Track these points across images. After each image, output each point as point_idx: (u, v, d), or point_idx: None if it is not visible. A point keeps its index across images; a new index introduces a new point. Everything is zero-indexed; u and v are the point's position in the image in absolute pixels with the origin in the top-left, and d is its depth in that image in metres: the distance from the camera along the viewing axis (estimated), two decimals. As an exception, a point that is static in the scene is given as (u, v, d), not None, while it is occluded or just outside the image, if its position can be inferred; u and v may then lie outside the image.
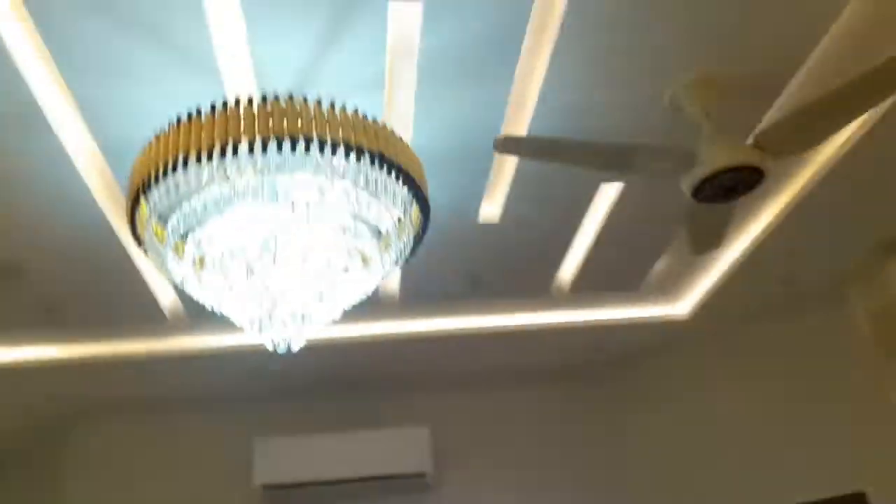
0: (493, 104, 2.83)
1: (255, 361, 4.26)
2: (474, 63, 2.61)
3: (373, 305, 4.22)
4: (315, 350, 4.39)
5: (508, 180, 3.36)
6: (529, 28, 2.51)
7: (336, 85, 2.60)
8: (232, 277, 2.36)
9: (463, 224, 3.59)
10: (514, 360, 5.11)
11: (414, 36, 2.48)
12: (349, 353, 4.60)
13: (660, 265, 4.28)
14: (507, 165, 3.31)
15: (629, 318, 4.68)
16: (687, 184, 2.67)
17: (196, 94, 2.37)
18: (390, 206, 2.38)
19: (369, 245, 2.47)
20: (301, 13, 2.32)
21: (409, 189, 2.37)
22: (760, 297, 4.58)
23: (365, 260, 2.53)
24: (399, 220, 2.45)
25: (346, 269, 2.50)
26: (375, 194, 2.33)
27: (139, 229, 2.31)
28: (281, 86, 2.51)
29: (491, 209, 3.59)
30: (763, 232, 3.93)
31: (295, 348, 2.40)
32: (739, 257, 4.15)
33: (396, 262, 2.57)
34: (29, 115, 2.57)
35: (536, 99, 2.82)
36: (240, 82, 2.55)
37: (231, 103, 2.13)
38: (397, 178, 2.30)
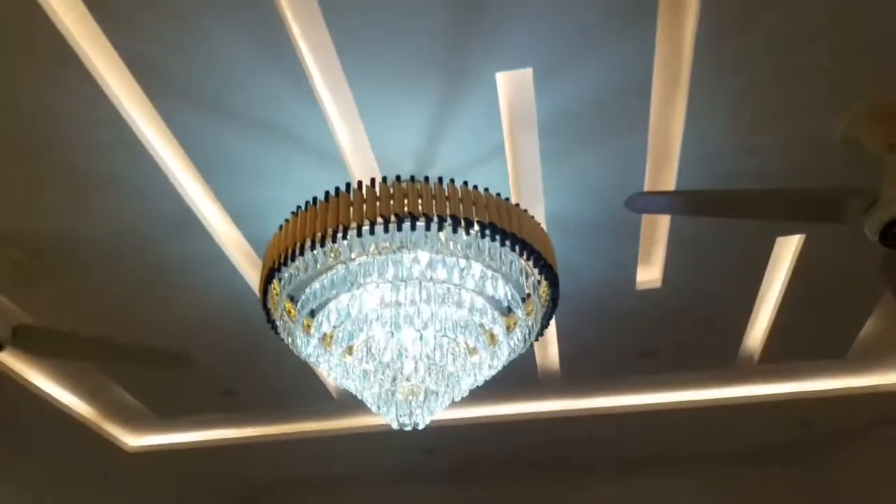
0: (630, 162, 2.60)
1: (417, 439, 4.20)
2: (601, 122, 2.42)
3: (534, 384, 4.04)
4: (483, 428, 4.30)
5: (664, 242, 3.06)
6: (657, 78, 2.30)
7: (457, 161, 2.55)
8: (356, 355, 2.35)
9: (621, 293, 3.32)
10: (692, 441, 4.59)
11: (529, 102, 2.37)
12: (518, 435, 4.41)
13: (868, 327, 3.65)
14: (660, 226, 3.03)
15: (832, 390, 4.02)
16: (871, 228, 2.24)
17: (325, 182, 2.39)
18: (516, 282, 2.29)
19: (495, 323, 2.34)
20: (413, 97, 2.31)
21: (535, 262, 2.25)
22: None
23: (492, 339, 2.40)
24: (527, 296, 2.33)
25: (472, 349, 2.39)
26: (499, 269, 2.26)
27: (272, 308, 2.36)
28: (404, 168, 2.51)
29: (650, 274, 3.29)
30: None
31: (420, 426, 2.32)
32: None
33: (525, 341, 2.42)
34: (186, 222, 2.80)
35: (679, 151, 2.55)
36: (364, 170, 2.58)
37: (354, 187, 2.18)
38: (521, 251, 2.20)
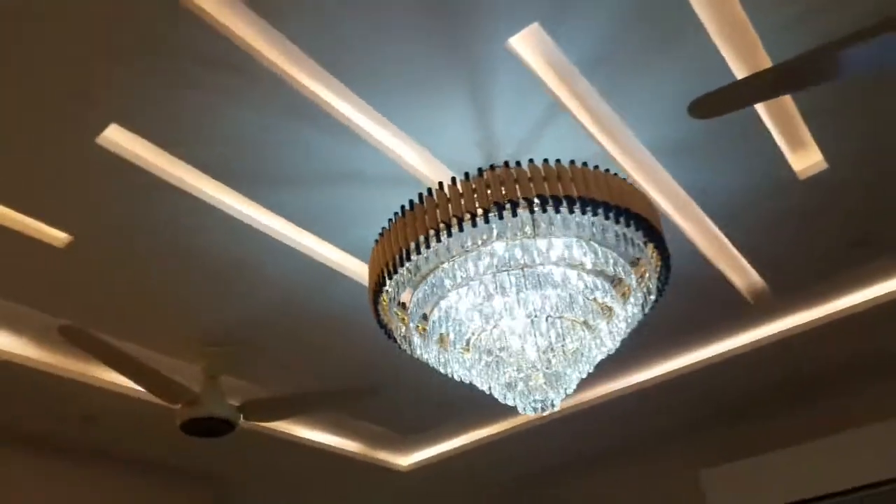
0: (703, 58, 2.29)
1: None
2: (643, 35, 2.21)
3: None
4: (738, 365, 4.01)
5: (799, 120, 2.65)
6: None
7: (521, 136, 2.52)
8: (474, 351, 2.38)
9: (784, 191, 2.92)
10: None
11: (557, 52, 2.23)
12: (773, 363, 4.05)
13: None
14: (786, 106, 2.62)
15: None
16: None
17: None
18: (624, 253, 2.23)
19: (609, 296, 2.26)
20: (439, 96, 2.31)
21: (637, 226, 2.16)
22: None
23: (607, 310, 2.30)
24: (637, 261, 2.26)
25: (589, 326, 2.31)
26: (605, 243, 2.20)
27: (383, 317, 2.44)
28: (472, 163, 2.51)
29: (807, 160, 2.86)
30: None
31: (555, 408, 2.30)
32: None
33: (643, 309, 2.33)
34: (331, 276, 3.10)
35: (750, 24, 2.21)
36: (440, 176, 2.61)
37: (447, 183, 2.17)
38: (616, 218, 2.12)
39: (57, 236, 2.71)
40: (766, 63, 2.28)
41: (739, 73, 2.34)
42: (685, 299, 3.40)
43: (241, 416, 3.37)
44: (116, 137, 2.35)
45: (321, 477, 5.11)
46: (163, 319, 3.27)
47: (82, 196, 2.54)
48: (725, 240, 3.21)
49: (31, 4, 1.89)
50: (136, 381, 3.18)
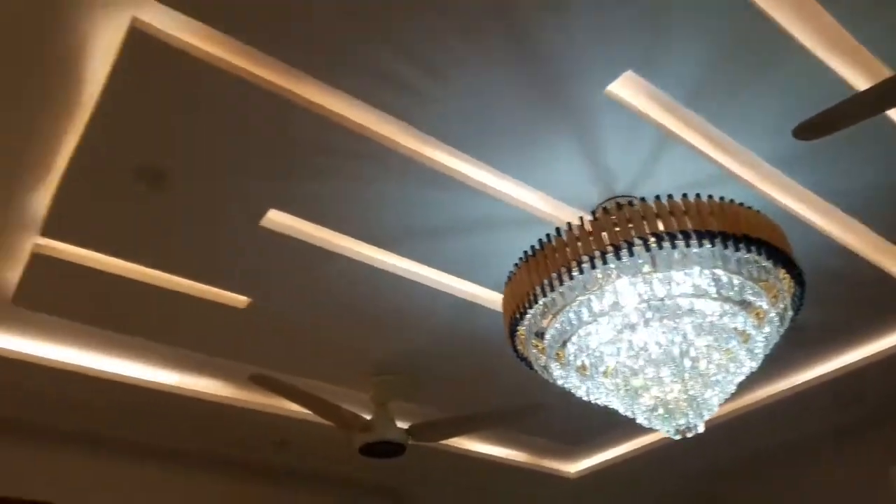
0: (807, 74, 2.28)
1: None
2: (738, 65, 2.23)
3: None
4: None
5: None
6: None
7: (636, 171, 2.61)
8: (613, 378, 2.48)
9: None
10: None
11: (656, 91, 2.31)
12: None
13: None
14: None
15: None
16: None
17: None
18: (751, 277, 2.26)
19: (742, 320, 2.30)
20: (548, 148, 2.47)
21: (768, 255, 2.21)
22: None
23: (745, 337, 2.34)
24: (773, 288, 2.30)
25: (726, 350, 2.35)
26: (729, 270, 2.24)
27: (521, 350, 2.59)
28: (592, 203, 2.67)
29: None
30: None
31: (699, 431, 2.35)
32: None
33: (780, 328, 2.35)
34: (475, 311, 3.34)
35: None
36: (566, 215, 2.77)
37: (565, 229, 2.29)
38: (747, 249, 2.18)
39: (238, 299, 3.17)
40: (878, 65, 2.22)
41: (851, 77, 2.29)
42: (853, 297, 3.37)
43: (410, 437, 3.69)
44: (278, 219, 2.75)
45: (493, 486, 5.38)
46: (336, 357, 3.69)
47: (254, 267, 2.98)
48: (876, 234, 3.08)
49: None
50: (318, 414, 3.60)
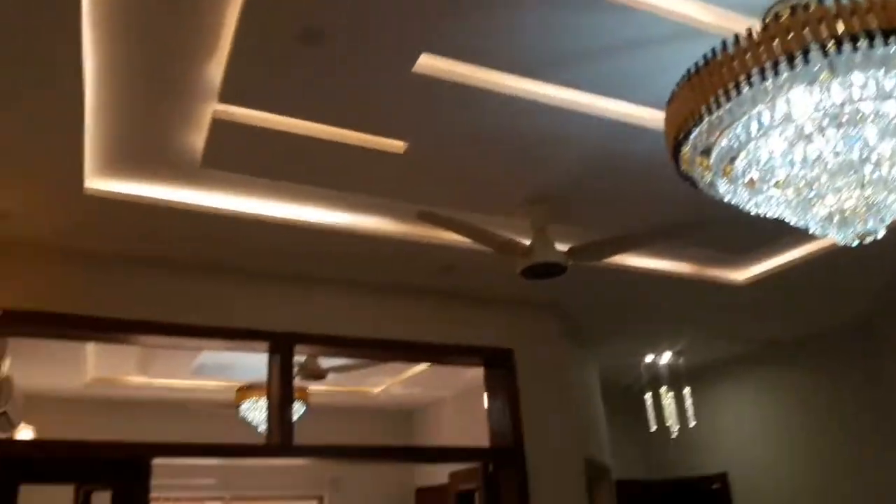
0: None
1: None
2: None
3: None
4: None
5: None
6: None
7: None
8: (789, 188, 2.38)
9: None
10: None
11: None
12: None
13: None
14: None
15: None
16: None
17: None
18: None
19: None
20: None
21: None
22: None
23: None
24: None
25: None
26: None
27: (685, 168, 2.50)
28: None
29: None
30: None
31: (878, 236, 2.27)
32: None
33: None
34: (631, 132, 3.28)
35: None
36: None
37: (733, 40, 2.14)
38: None
39: (395, 144, 3.32)
40: None
41: None
42: None
43: (570, 259, 3.83)
44: (429, 62, 2.77)
45: (656, 299, 5.52)
46: (492, 189, 3.82)
47: (409, 113, 3.08)
48: None
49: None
50: (481, 243, 3.80)
